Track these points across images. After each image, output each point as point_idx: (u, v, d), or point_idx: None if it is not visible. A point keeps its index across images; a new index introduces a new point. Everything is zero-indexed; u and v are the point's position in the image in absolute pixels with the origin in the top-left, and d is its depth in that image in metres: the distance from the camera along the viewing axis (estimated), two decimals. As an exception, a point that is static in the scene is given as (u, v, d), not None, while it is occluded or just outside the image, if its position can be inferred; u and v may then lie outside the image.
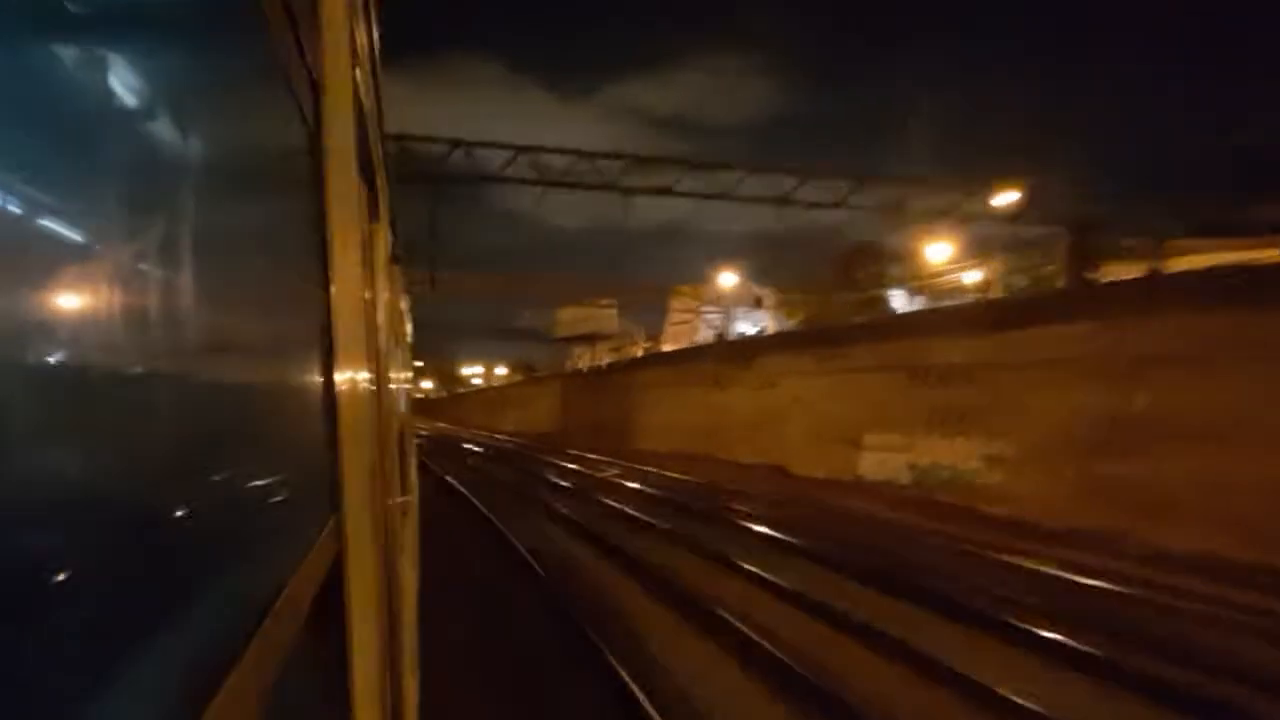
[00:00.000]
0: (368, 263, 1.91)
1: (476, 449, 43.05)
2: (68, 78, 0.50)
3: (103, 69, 0.52)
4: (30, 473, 0.43)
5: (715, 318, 52.51)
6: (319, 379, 1.20)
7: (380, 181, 2.76)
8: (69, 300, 0.50)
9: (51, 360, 0.47)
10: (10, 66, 0.44)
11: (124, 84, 0.55)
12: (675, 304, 58.38)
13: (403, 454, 3.85)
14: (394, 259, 3.90)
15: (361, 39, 1.81)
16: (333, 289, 1.25)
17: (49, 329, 0.47)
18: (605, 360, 57.70)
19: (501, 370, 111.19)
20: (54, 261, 0.48)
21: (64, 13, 0.50)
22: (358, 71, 1.56)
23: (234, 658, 0.64)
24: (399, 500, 3.00)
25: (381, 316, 2.33)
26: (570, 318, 69.91)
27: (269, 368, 0.99)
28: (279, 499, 0.98)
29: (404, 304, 5.88)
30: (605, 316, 66.79)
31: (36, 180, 0.45)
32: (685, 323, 58.56)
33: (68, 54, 0.51)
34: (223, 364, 0.80)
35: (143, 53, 0.61)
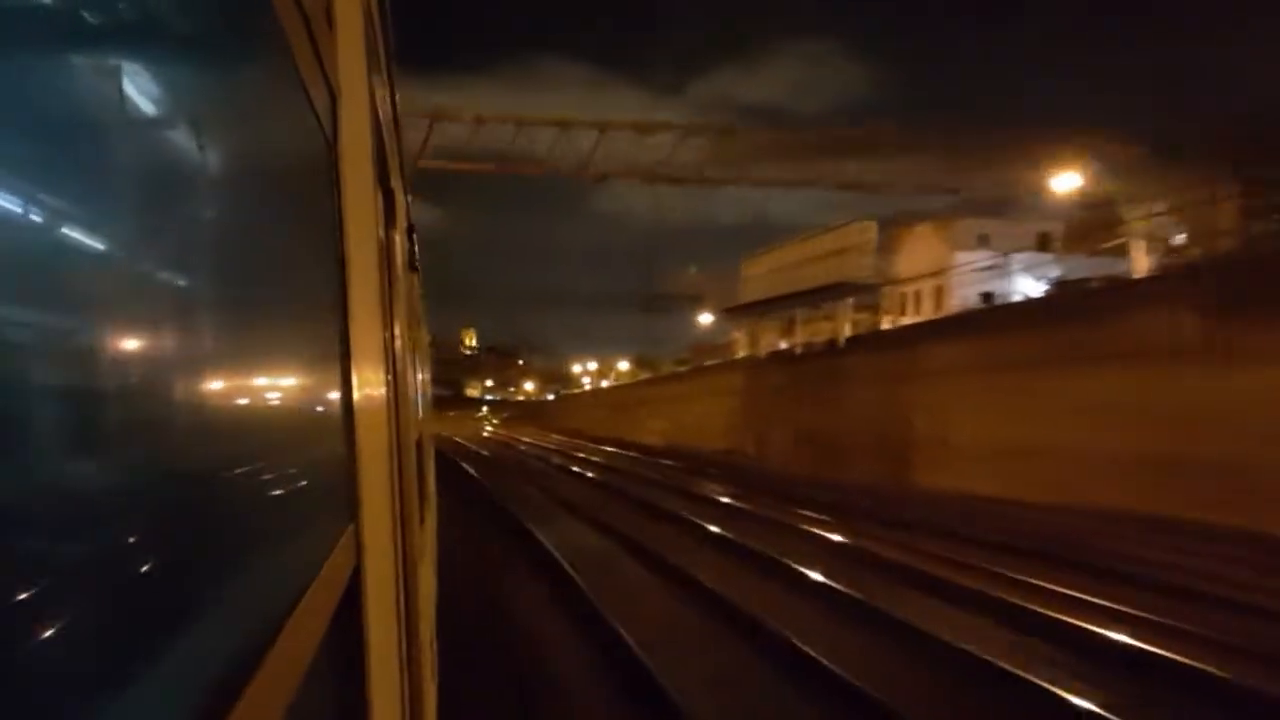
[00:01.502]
0: (384, 270, 1.91)
1: (600, 479, 27.14)
2: (86, 86, 0.51)
3: (122, 78, 0.52)
4: (48, 481, 0.43)
5: (975, 258, 32.48)
6: (335, 387, 1.20)
7: (397, 188, 2.77)
8: (88, 308, 0.50)
9: (70, 368, 0.46)
10: (29, 77, 0.44)
11: (142, 92, 0.55)
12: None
13: (421, 462, 3.86)
14: (411, 266, 3.91)
15: (378, 46, 1.81)
16: (349, 297, 1.25)
17: (69, 336, 0.47)
18: (845, 332, 33.08)
19: (624, 365, 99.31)
20: (74, 269, 0.48)
21: (82, 22, 0.50)
22: (374, 78, 1.57)
23: (252, 668, 0.63)
24: (417, 509, 3.00)
25: (399, 325, 2.33)
26: (775, 264, 37.86)
27: (285, 376, 0.98)
28: (296, 509, 0.97)
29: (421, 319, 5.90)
30: (857, 246, 32.45)
31: (55, 188, 0.45)
32: (942, 272, 34.97)
33: (86, 63, 0.51)
34: (238, 372, 0.79)
35: (159, 61, 0.61)
